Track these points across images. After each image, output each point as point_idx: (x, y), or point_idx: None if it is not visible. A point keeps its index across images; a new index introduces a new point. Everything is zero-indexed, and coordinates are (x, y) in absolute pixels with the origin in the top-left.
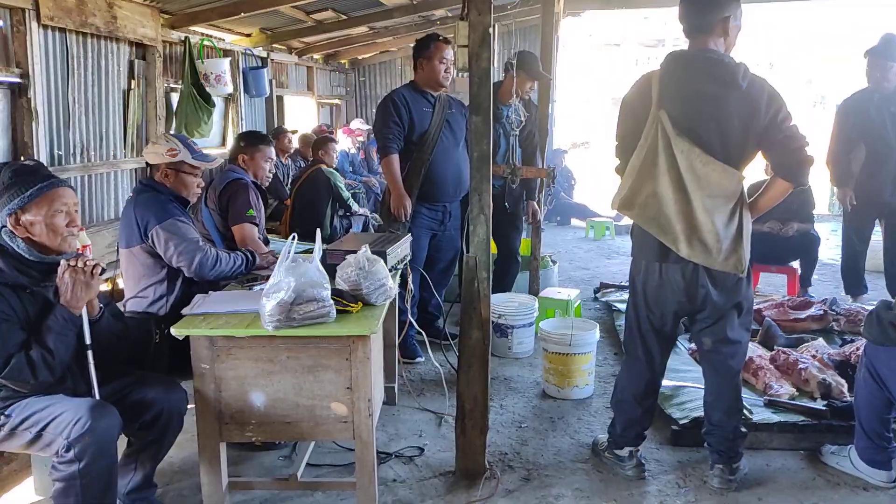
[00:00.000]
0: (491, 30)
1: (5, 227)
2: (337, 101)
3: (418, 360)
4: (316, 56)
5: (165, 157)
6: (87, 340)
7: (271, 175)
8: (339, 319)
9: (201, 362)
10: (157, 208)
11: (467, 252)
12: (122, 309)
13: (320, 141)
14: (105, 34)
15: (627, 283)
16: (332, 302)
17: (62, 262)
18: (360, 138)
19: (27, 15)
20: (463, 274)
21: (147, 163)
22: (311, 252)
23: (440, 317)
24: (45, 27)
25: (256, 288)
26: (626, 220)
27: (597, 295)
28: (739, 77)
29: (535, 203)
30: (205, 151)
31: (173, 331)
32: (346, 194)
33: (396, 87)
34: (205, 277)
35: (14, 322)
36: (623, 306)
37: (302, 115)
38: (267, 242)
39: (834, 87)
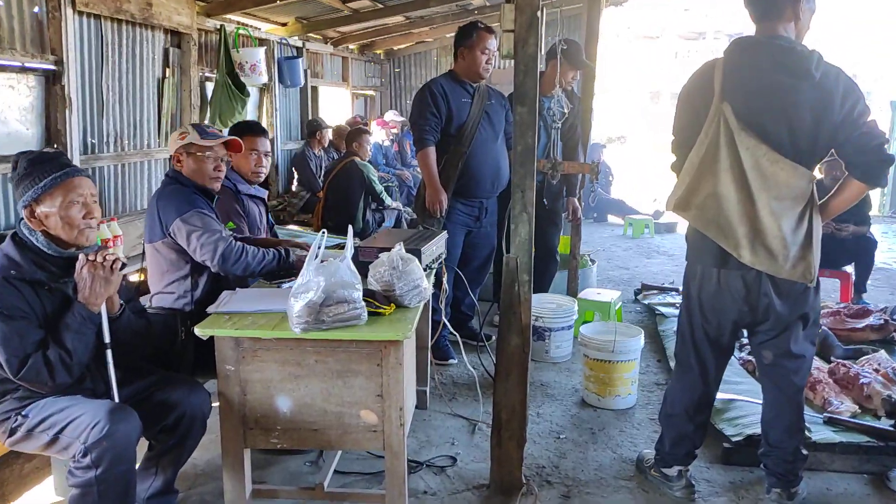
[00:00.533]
0: (539, 14)
1: (23, 219)
2: (371, 92)
3: (451, 361)
4: (351, 46)
5: (178, 142)
6: (107, 339)
7: (263, 170)
8: (370, 322)
9: (226, 364)
10: (179, 200)
11: (506, 251)
12: (147, 305)
13: (354, 133)
14: (140, 21)
15: (670, 286)
16: (363, 304)
17: (80, 256)
18: (395, 130)
19: (62, 1)
20: (503, 276)
21: (170, 155)
22: (343, 247)
23: (474, 316)
24: (81, 13)
25: (285, 286)
26: (667, 218)
27: (637, 297)
28: (813, 66)
29: (575, 200)
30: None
31: (197, 330)
32: (380, 188)
33: (434, 77)
34: (230, 271)
35: (32, 320)
36: (666, 310)
37: (336, 106)
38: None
39: (880, 81)
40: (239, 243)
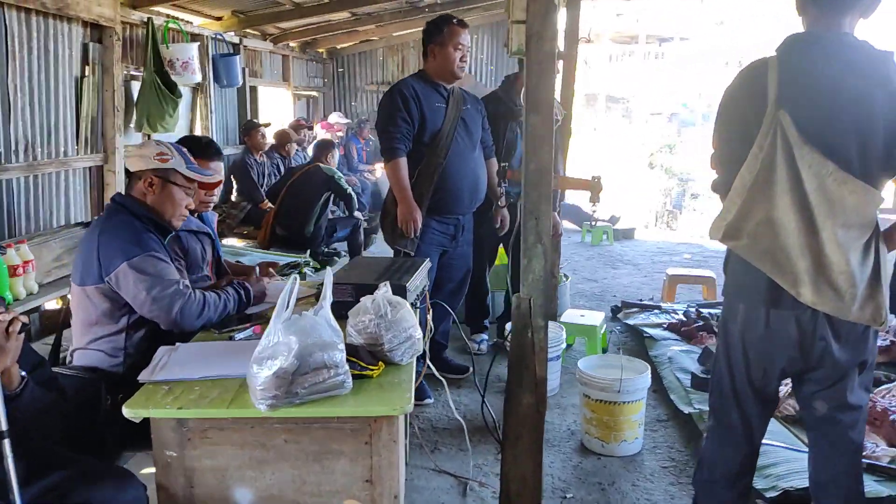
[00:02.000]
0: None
1: None
2: (314, 93)
3: (427, 401)
4: (292, 44)
5: (152, 162)
6: (2, 426)
7: (214, 199)
8: (355, 389)
9: (165, 448)
10: (127, 239)
11: (479, 269)
12: (68, 357)
13: (323, 146)
14: (53, 12)
15: (651, 302)
16: (347, 367)
17: None
18: (340, 133)
19: None
20: (512, 319)
21: (127, 171)
22: (297, 266)
23: (447, 345)
24: None
25: (239, 336)
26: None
27: (617, 315)
28: (891, 70)
29: (556, 214)
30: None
31: (126, 411)
32: (349, 189)
33: (403, 78)
34: (186, 328)
35: None
36: (654, 331)
37: (277, 108)
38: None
39: None
40: (198, 293)
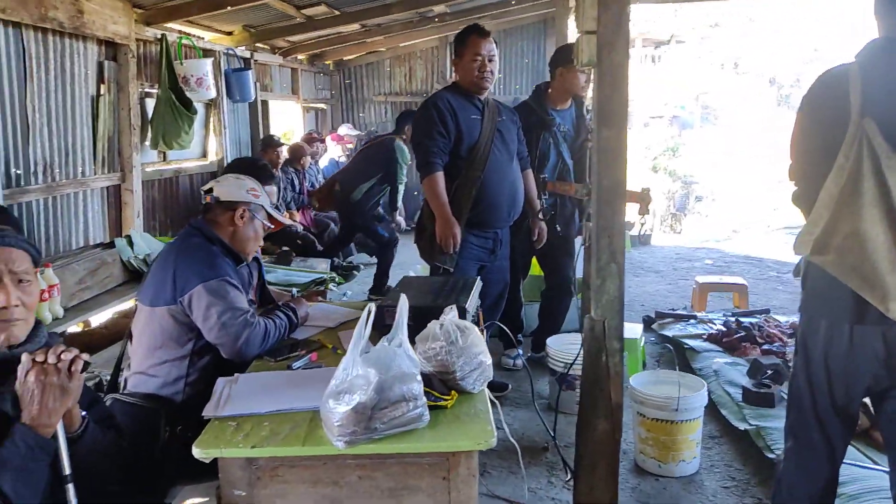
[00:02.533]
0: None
1: None
2: (322, 105)
3: None
4: (300, 57)
5: (246, 196)
6: (66, 470)
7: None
8: (431, 421)
9: (234, 488)
10: (204, 262)
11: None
12: (122, 383)
13: (404, 117)
14: (70, 31)
15: (686, 312)
16: (424, 400)
17: (23, 357)
18: (350, 145)
19: None
20: (585, 343)
21: (214, 198)
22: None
23: None
24: None
25: (297, 365)
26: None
27: (651, 326)
28: None
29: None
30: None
31: (196, 451)
32: (403, 177)
33: (437, 91)
34: (247, 358)
35: None
36: (695, 343)
37: (287, 121)
38: None
39: (798, 86)
40: (263, 322)
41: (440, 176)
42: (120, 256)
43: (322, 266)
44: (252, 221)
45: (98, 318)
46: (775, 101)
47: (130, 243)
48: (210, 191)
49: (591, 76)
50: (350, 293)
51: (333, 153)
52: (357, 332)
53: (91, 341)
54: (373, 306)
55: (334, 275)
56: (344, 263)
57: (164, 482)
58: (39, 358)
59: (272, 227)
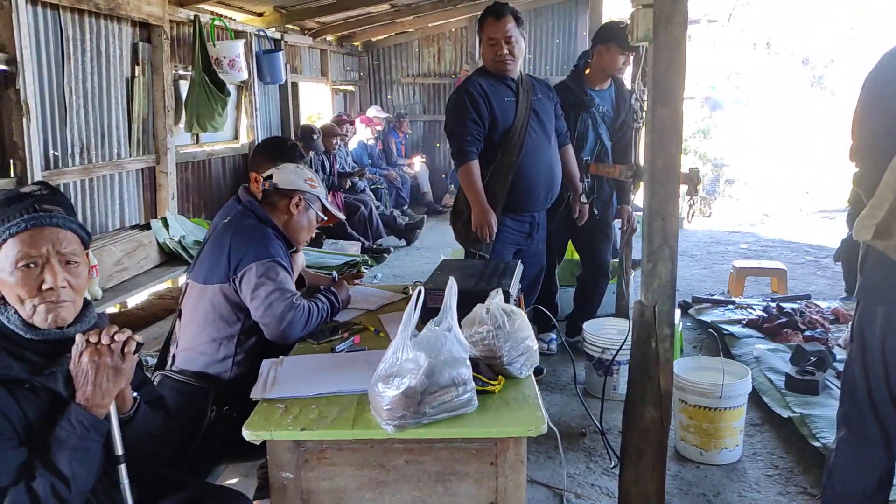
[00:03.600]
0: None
1: None
2: (350, 87)
3: None
4: (330, 38)
5: (304, 185)
6: (119, 450)
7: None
8: (479, 406)
9: (282, 470)
10: (260, 242)
11: (548, 265)
12: (168, 361)
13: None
14: (105, 12)
15: (723, 297)
16: (473, 384)
17: (77, 338)
18: (379, 128)
19: None
20: (633, 328)
21: (272, 184)
22: (357, 265)
23: None
24: (35, 3)
25: (340, 348)
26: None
27: (688, 311)
28: None
29: (629, 207)
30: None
31: (246, 433)
32: None
33: (469, 76)
34: (289, 340)
35: (8, 436)
36: (734, 328)
37: (316, 103)
38: None
39: (832, 66)
40: (306, 305)
41: (475, 164)
42: (156, 238)
43: (353, 249)
44: (307, 211)
45: (134, 300)
46: (808, 82)
47: (166, 225)
48: (270, 177)
49: (631, 57)
50: (381, 275)
51: (362, 135)
52: (406, 315)
53: (127, 322)
54: (421, 289)
55: (366, 257)
56: (374, 246)
57: (208, 461)
58: (93, 339)
59: (325, 219)
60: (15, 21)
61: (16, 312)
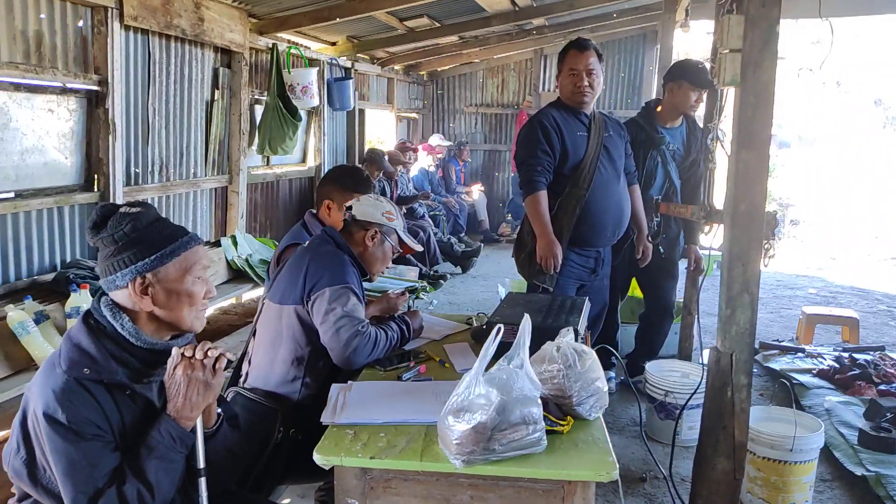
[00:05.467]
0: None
1: (107, 297)
2: (414, 114)
3: None
4: (397, 67)
5: (381, 218)
6: (201, 464)
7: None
8: (548, 448)
9: (348, 496)
10: (337, 268)
11: (617, 304)
12: (241, 377)
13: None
14: (191, 37)
15: (793, 344)
16: (543, 424)
17: (174, 351)
18: (440, 155)
19: (110, 14)
20: (709, 376)
21: (351, 216)
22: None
23: None
24: (128, 28)
25: (406, 377)
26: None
27: (756, 357)
28: None
29: (696, 248)
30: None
31: (317, 457)
32: None
33: (543, 108)
34: (354, 367)
35: (107, 440)
36: (804, 378)
37: (381, 130)
38: None
39: None
40: (372, 331)
41: (543, 195)
42: (224, 255)
43: (411, 274)
44: (382, 244)
45: None
46: (881, 123)
47: (235, 243)
48: (350, 207)
49: (704, 95)
50: (437, 302)
51: (423, 163)
52: (483, 351)
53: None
54: (501, 326)
55: (424, 283)
56: (431, 272)
57: (272, 480)
58: (188, 353)
59: (402, 251)
60: (109, 45)
61: (130, 319)
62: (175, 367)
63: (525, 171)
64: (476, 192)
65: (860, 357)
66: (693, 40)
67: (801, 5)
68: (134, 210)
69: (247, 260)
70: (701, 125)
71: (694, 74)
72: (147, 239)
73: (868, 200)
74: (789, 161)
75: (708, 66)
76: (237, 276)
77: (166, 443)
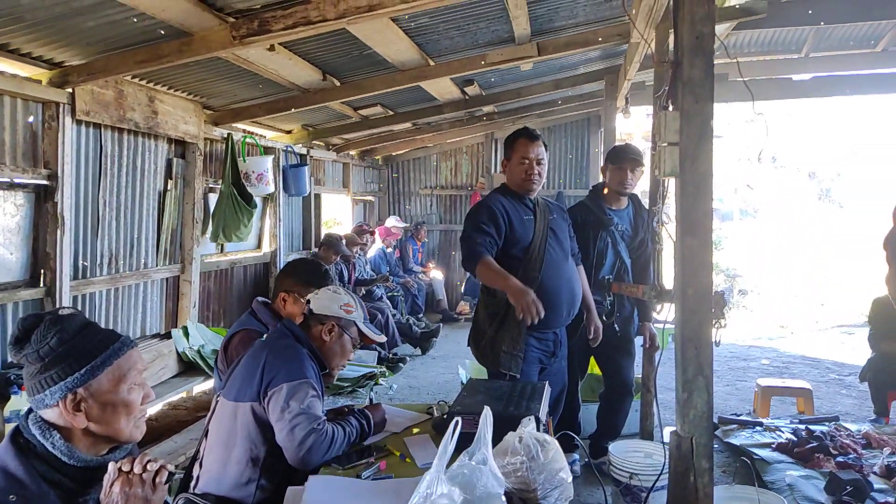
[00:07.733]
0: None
1: (36, 414)
2: (370, 197)
3: None
4: (352, 152)
5: (338, 311)
6: None
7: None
8: None
9: None
10: (294, 363)
11: (577, 383)
12: (192, 481)
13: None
14: (144, 130)
15: (750, 418)
16: None
17: (110, 466)
18: (397, 237)
19: (61, 109)
20: (671, 461)
21: (309, 309)
22: (374, 377)
23: None
24: (80, 122)
25: (366, 474)
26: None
27: (714, 433)
28: None
29: (651, 325)
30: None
31: None
32: None
33: (491, 192)
34: (308, 467)
35: None
36: (764, 453)
37: (337, 213)
38: None
39: (839, 180)
40: (330, 430)
41: (489, 258)
42: (175, 347)
43: (371, 359)
44: (340, 338)
45: (150, 411)
46: (816, 196)
47: (186, 334)
48: (308, 301)
49: (639, 170)
50: (396, 386)
51: (380, 244)
52: (442, 448)
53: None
54: (459, 420)
55: (383, 368)
56: (390, 356)
57: None
58: (125, 467)
59: (362, 343)
60: (60, 140)
61: (62, 437)
62: (111, 484)
63: (467, 244)
64: (433, 270)
65: (816, 429)
66: (635, 123)
67: (734, 91)
68: (61, 316)
69: (198, 351)
70: (646, 206)
71: (615, 155)
72: (75, 351)
73: (810, 269)
74: (732, 233)
75: (648, 145)
76: (188, 368)
77: None
